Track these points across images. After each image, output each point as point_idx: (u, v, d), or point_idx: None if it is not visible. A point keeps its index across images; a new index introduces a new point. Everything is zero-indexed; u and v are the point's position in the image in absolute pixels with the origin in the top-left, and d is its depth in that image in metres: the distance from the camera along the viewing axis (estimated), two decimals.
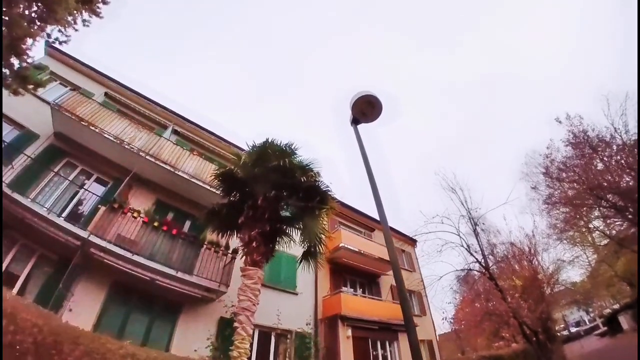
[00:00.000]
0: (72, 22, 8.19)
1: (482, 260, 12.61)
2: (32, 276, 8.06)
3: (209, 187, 9.17)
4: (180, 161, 9.44)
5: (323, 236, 8.14)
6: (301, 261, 8.49)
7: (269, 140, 7.48)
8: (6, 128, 9.23)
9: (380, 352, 12.16)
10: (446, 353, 19.98)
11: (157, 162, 9.04)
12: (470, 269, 13.13)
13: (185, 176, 9.28)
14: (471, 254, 12.54)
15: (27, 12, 7.49)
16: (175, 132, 11.95)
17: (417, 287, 15.14)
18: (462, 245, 12.56)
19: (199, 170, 9.65)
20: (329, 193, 8.17)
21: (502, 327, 16.19)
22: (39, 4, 7.50)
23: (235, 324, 6.85)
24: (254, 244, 7.35)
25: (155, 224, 8.15)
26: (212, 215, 7.81)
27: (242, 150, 9.30)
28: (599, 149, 12.31)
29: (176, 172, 9.20)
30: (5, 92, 7.42)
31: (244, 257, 7.51)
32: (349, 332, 11.37)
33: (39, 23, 7.69)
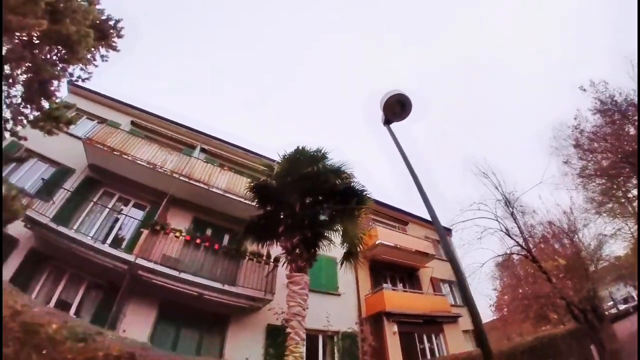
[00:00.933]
0: (92, 59, 8.58)
1: (523, 243, 12.25)
2: (84, 302, 8.43)
3: (243, 200, 9.31)
4: (212, 178, 9.66)
5: (362, 236, 8.16)
6: (342, 263, 8.52)
7: (300, 148, 7.52)
8: (42, 166, 9.75)
9: (427, 345, 12.04)
10: (492, 341, 19.45)
11: (190, 181, 9.28)
12: (511, 253, 12.78)
13: (219, 192, 9.50)
14: (511, 238, 12.20)
15: (49, 56, 7.88)
16: (203, 150, 12.23)
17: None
18: (501, 230, 12.25)
19: (231, 185, 9.84)
20: (365, 193, 8.14)
21: (548, 310, 15.67)
22: (60, 47, 7.86)
23: (288, 330, 6.93)
24: (296, 251, 7.42)
25: (197, 241, 8.33)
26: (251, 227, 7.92)
27: (272, 160, 9.40)
28: (629, 113, 11.67)
29: (210, 189, 9.42)
30: (40, 133, 7.78)
31: (288, 265, 7.60)
32: (395, 328, 11.32)
33: (61, 65, 8.06)
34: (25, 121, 7.58)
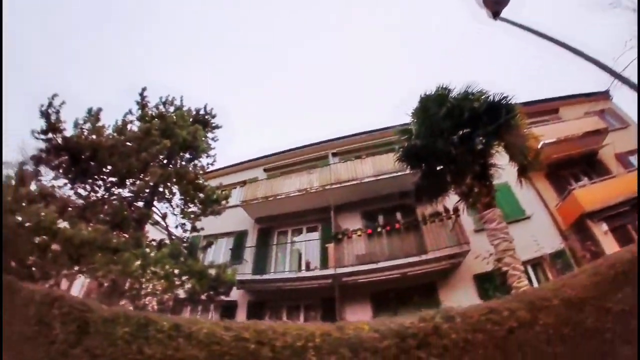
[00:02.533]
0: (208, 147, 10.07)
1: None
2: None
3: (396, 174, 9.48)
4: (358, 171, 10.16)
5: (527, 143, 7.44)
6: (520, 181, 7.89)
7: (423, 96, 7.28)
8: (223, 241, 11.74)
9: None
10: None
11: (343, 185, 9.93)
12: None
13: (371, 179, 9.88)
14: None
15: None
16: (334, 154, 12.95)
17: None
18: None
19: (378, 167, 10.16)
20: (506, 99, 7.38)
21: None
22: (189, 152, 9.51)
23: (504, 268, 6.63)
24: (475, 190, 7.13)
25: (379, 229, 8.77)
26: (419, 192, 7.94)
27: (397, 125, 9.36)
28: None
29: (362, 181, 9.89)
30: (206, 218, 9.40)
31: (472, 208, 7.36)
32: (604, 226, 9.73)
33: (192, 163, 9.74)
34: (192, 216, 9.26)
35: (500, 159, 7.83)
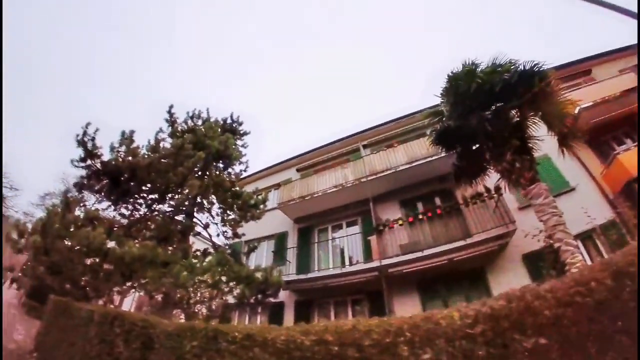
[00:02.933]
0: (239, 153, 10.24)
1: None
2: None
3: (431, 158, 9.35)
4: (391, 160, 10.04)
5: (565, 111, 7.08)
6: (562, 151, 7.53)
7: (450, 74, 7.07)
8: (264, 244, 11.92)
9: None
10: None
11: (378, 176, 9.84)
12: None
13: (405, 166, 9.73)
14: None
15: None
16: (365, 146, 12.83)
17: None
18: None
19: (410, 154, 10.00)
20: (538, 66, 7.03)
21: None
22: (222, 161, 9.69)
23: (556, 244, 6.35)
24: (516, 165, 6.85)
25: (420, 217, 8.62)
26: (457, 174, 7.74)
27: (425, 109, 9.17)
28: None
29: (397, 169, 9.77)
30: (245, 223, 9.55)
31: (515, 185, 7.08)
32: None
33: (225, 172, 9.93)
34: (232, 223, 9.45)
35: (538, 130, 7.51)
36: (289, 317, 9.66)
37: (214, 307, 7.98)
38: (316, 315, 9.75)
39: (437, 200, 9.81)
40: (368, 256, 9.22)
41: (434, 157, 8.83)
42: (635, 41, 12.81)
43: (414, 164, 9.63)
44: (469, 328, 2.16)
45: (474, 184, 7.82)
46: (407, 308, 8.85)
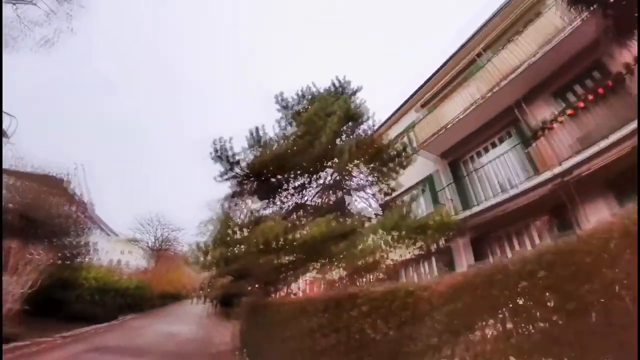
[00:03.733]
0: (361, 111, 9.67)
1: None
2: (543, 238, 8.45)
3: (564, 35, 7.51)
4: (519, 55, 8.37)
5: None
6: None
7: None
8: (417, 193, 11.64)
9: None
10: None
11: (509, 79, 8.39)
12: None
13: (539, 55, 7.92)
14: None
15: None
16: (479, 55, 10.93)
17: None
18: None
19: (538, 39, 8.11)
20: None
21: None
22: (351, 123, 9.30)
23: None
24: None
25: (581, 105, 7.17)
26: (617, 28, 5.98)
27: None
28: None
29: (531, 63, 8.17)
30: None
31: None
32: None
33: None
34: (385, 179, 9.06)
35: None
36: (469, 257, 9.10)
37: (397, 265, 7.85)
38: (497, 249, 9.01)
39: (589, 82, 8.01)
40: (535, 168, 8.05)
41: (567, 31, 6.99)
42: None
43: (546, 49, 7.79)
44: None
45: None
46: (603, 214, 7.47)
